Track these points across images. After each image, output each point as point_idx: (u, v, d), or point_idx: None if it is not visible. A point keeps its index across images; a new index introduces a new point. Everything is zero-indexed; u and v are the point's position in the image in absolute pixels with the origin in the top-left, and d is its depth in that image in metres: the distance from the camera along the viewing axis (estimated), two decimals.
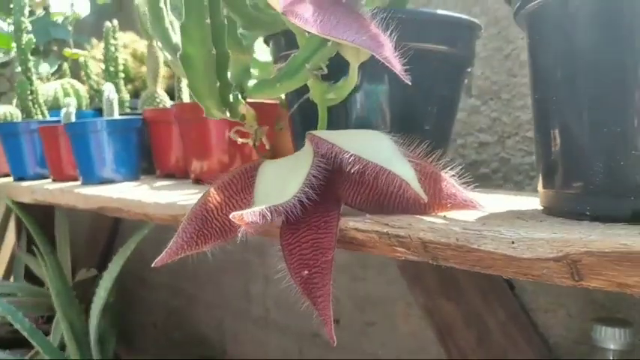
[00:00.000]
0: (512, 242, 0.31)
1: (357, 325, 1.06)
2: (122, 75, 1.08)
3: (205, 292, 1.34)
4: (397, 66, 0.35)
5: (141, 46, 1.22)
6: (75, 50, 1.43)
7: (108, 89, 0.84)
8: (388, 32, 0.37)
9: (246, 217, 0.33)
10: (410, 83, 0.35)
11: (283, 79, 0.47)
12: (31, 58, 1.00)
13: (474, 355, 0.88)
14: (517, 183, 0.84)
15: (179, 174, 0.85)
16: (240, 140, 0.50)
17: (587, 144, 0.36)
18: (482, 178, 0.87)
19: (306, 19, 0.38)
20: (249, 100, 0.50)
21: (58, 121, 0.96)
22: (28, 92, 1.01)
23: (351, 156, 0.36)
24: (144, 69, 1.20)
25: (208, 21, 0.37)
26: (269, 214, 0.34)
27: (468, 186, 0.43)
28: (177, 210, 0.56)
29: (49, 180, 0.98)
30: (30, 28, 1.02)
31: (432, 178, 0.40)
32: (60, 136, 0.88)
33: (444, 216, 0.40)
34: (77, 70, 1.41)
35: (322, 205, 0.40)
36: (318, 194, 0.40)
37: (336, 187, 0.41)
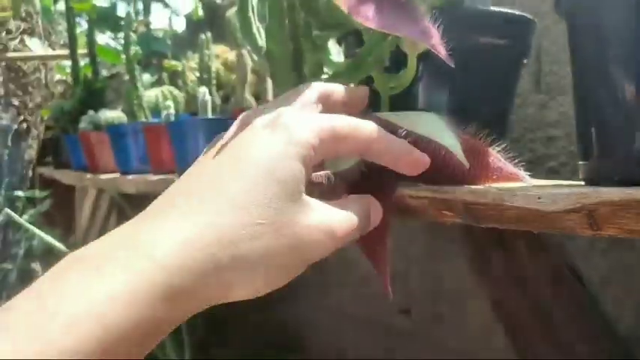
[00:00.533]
0: (539, 197, 0.36)
1: (427, 315, 1.11)
2: (214, 82, 1.20)
3: None
4: (442, 51, 0.41)
5: (231, 56, 1.34)
6: (173, 62, 1.59)
7: (203, 92, 0.95)
8: (438, 26, 0.43)
9: (314, 177, 0.40)
10: (453, 66, 0.41)
11: (350, 72, 0.54)
12: (137, 67, 1.14)
13: (541, 347, 0.90)
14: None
15: None
16: None
17: (618, 119, 0.40)
18: (551, 171, 0.90)
19: (367, 17, 0.45)
20: None
21: (159, 122, 1.09)
22: (134, 97, 1.15)
23: (403, 130, 0.42)
24: (233, 77, 1.32)
25: (287, 22, 0.45)
26: (332, 177, 0.40)
27: (517, 163, 0.47)
28: None
29: (150, 174, 1.11)
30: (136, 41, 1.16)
31: (479, 152, 0.45)
32: (161, 134, 1.00)
33: (489, 185, 0.45)
34: (174, 80, 1.56)
35: (380, 180, 0.46)
36: (376, 170, 0.46)
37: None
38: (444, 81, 0.57)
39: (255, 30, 0.68)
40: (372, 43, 0.50)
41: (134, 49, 1.13)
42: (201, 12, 1.77)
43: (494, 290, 0.95)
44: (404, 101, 0.58)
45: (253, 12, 0.69)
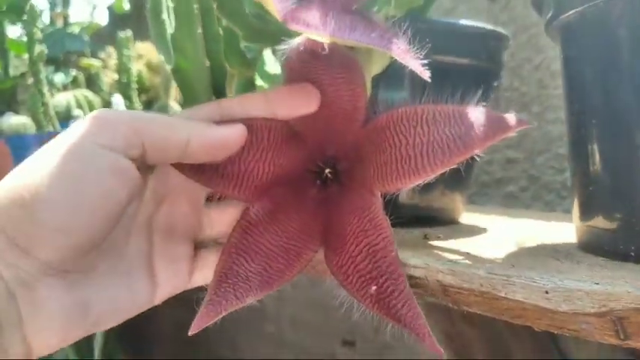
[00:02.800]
0: (547, 292, 0.26)
1: (373, 348, 1.01)
2: (135, 86, 1.06)
3: None
4: (411, 61, 0.30)
5: (156, 56, 1.20)
6: (91, 60, 1.42)
7: (116, 102, 0.81)
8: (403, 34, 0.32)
9: None
10: (429, 80, 0.30)
11: None
12: (42, 69, 0.98)
13: None
14: (547, 203, 0.79)
15: None
16: None
17: (632, 172, 0.31)
18: (510, 196, 0.82)
19: (309, 24, 0.34)
20: None
21: None
22: (40, 104, 0.99)
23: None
24: (158, 80, 1.17)
25: (200, 31, 0.33)
26: None
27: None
28: None
29: None
30: (41, 38, 1.00)
31: (454, 116, 0.32)
32: None
33: (467, 252, 0.35)
34: (92, 81, 1.40)
35: (358, 207, 0.34)
36: (347, 198, 0.35)
37: (363, 179, 0.35)
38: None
39: (169, 37, 0.55)
40: None
41: (39, 47, 0.97)
42: (127, 5, 1.60)
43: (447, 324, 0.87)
44: None
45: (168, 15, 0.56)
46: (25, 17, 0.96)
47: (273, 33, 0.43)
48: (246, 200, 0.33)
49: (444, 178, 0.46)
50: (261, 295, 0.32)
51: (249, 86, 0.47)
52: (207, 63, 0.34)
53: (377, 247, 0.31)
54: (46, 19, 1.68)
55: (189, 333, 0.30)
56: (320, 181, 0.35)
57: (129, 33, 1.06)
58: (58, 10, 1.68)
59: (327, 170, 0.34)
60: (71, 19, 1.73)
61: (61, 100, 1.11)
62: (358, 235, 0.32)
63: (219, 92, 0.38)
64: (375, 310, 0.31)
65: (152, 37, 0.54)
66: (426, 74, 0.29)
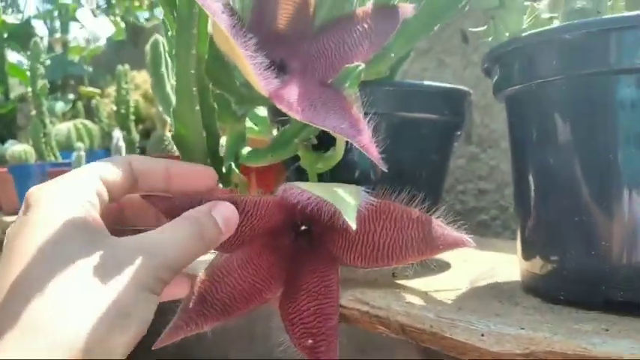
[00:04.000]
0: (482, 335, 0.32)
1: None
2: (133, 117, 1.11)
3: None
4: (374, 153, 0.36)
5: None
6: (90, 88, 1.47)
7: (116, 137, 0.87)
8: (369, 120, 0.38)
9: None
10: (386, 170, 0.36)
11: (275, 151, 0.48)
12: (44, 102, 1.04)
13: None
14: (514, 231, 0.84)
15: None
16: None
17: (562, 230, 0.37)
18: (482, 225, 0.88)
19: (290, 105, 0.40)
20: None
21: (69, 164, 0.99)
22: (41, 135, 1.04)
23: (303, 193, 0.35)
24: (154, 110, 1.23)
25: (198, 108, 0.39)
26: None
27: (458, 228, 0.43)
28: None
29: None
30: (44, 72, 1.05)
31: (418, 222, 0.40)
32: None
33: (426, 293, 0.41)
34: (91, 108, 1.45)
35: (319, 269, 0.41)
36: (313, 257, 0.41)
37: (329, 246, 0.42)
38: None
39: (169, 89, 0.61)
40: (298, 124, 0.45)
41: (42, 81, 1.02)
42: (124, 34, 1.67)
43: None
44: (332, 176, 0.54)
45: (167, 67, 0.62)
46: (28, 52, 1.01)
47: (260, 97, 0.49)
48: (228, 252, 0.39)
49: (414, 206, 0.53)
50: (217, 324, 0.37)
51: (240, 137, 0.53)
52: (204, 132, 0.40)
53: (324, 311, 0.37)
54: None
55: (153, 347, 0.36)
56: (295, 234, 0.41)
57: (127, 67, 1.12)
58: (57, 35, 1.74)
59: (302, 227, 0.40)
60: (72, 44, 1.78)
61: (62, 129, 1.17)
62: (311, 294, 0.38)
63: (213, 154, 0.44)
64: (307, 357, 0.37)
65: (152, 87, 0.60)
66: (384, 166, 0.35)
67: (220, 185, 0.49)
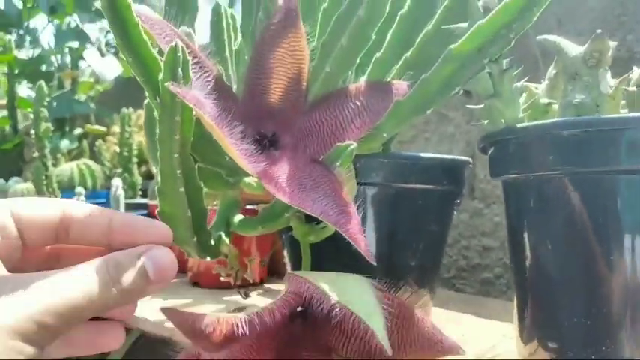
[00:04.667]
0: None
1: None
2: (135, 160, 1.11)
3: None
4: (361, 245, 0.35)
5: None
6: (96, 126, 1.48)
7: (115, 185, 0.86)
8: (358, 206, 0.37)
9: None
10: (375, 263, 0.35)
11: (265, 223, 0.47)
12: (47, 145, 1.04)
13: None
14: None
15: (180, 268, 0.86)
16: (223, 278, 0.51)
17: (561, 323, 0.35)
18: (486, 282, 0.86)
19: (278, 187, 0.39)
20: None
21: None
22: (43, 177, 1.04)
23: (334, 304, 0.34)
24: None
25: (182, 190, 0.38)
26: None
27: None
28: (168, 331, 0.56)
29: None
30: (51, 110, 1.06)
31: (414, 324, 0.38)
32: None
33: None
34: (98, 151, 1.46)
35: (313, 356, 0.39)
36: (308, 343, 0.39)
37: (325, 337, 0.40)
38: (376, 224, 0.52)
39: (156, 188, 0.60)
40: None
41: (46, 124, 1.03)
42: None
43: None
44: (327, 246, 0.52)
45: None
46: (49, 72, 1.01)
47: None
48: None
49: (412, 275, 0.51)
50: None
51: (233, 204, 0.51)
52: (189, 212, 0.39)
53: None
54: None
55: None
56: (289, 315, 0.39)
57: (130, 110, 1.12)
58: (67, 70, 1.75)
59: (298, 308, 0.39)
60: (80, 79, 1.79)
61: (65, 169, 1.17)
62: None
63: (199, 229, 0.42)
64: None
65: (146, 149, 0.59)
66: (372, 258, 0.33)
67: (208, 258, 0.48)
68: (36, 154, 1.04)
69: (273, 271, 0.84)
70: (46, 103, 1.02)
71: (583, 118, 0.31)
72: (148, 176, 1.21)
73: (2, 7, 1.40)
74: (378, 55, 0.42)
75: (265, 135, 0.44)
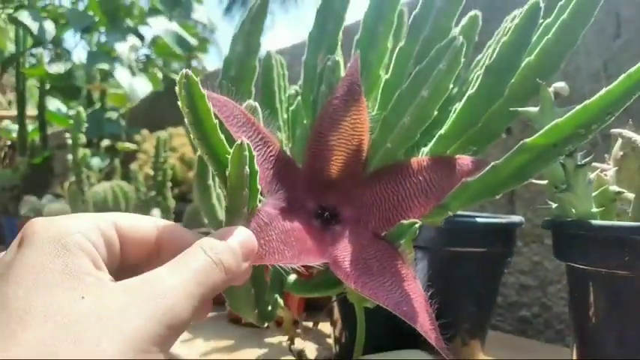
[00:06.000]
0: None
1: None
2: (170, 184, 1.12)
3: None
4: (433, 338, 0.35)
5: (189, 150, 1.27)
6: (127, 144, 1.50)
7: (154, 215, 0.87)
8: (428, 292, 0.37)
9: None
10: (445, 356, 0.35)
11: (321, 288, 0.47)
12: (84, 170, 1.05)
13: None
14: (558, 331, 0.82)
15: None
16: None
17: None
18: (523, 320, 0.85)
19: (347, 275, 0.39)
20: None
21: None
22: (80, 202, 1.06)
23: None
24: (191, 174, 1.24)
25: None
26: None
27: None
28: None
29: None
30: (84, 141, 1.07)
31: None
32: None
33: None
34: (128, 161, 1.47)
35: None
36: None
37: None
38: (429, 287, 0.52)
39: (215, 200, 0.61)
40: None
41: (83, 150, 1.04)
42: (161, 84, 1.69)
43: None
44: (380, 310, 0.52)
45: (214, 179, 0.62)
46: (70, 121, 1.03)
47: None
48: None
49: (464, 327, 0.51)
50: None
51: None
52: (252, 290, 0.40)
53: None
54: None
55: None
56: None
57: (167, 134, 1.13)
58: (96, 82, 1.77)
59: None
60: (108, 92, 1.81)
61: (99, 191, 1.18)
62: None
63: (259, 302, 0.43)
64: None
65: (197, 201, 0.60)
66: (444, 351, 0.33)
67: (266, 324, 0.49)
68: (73, 179, 1.06)
69: (309, 305, 0.84)
70: (84, 130, 1.03)
71: None
72: (182, 198, 1.22)
73: (35, 32, 1.42)
74: (441, 132, 0.42)
75: (327, 208, 0.44)
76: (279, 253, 0.37)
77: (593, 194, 0.37)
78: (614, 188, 0.37)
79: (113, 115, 1.51)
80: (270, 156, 0.43)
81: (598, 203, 0.37)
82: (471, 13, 0.49)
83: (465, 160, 0.42)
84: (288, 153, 0.53)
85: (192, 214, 1.05)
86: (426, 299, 0.37)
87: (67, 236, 0.28)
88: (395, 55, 0.45)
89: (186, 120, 0.37)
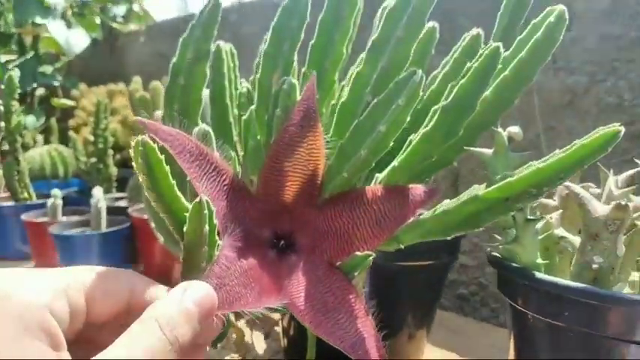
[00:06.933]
0: None
1: None
2: (111, 152, 1.08)
3: None
4: None
5: (131, 112, 1.21)
6: (63, 100, 1.41)
7: (96, 197, 0.84)
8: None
9: None
10: None
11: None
12: (19, 139, 0.99)
13: None
14: (493, 309, 0.87)
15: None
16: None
17: None
18: (461, 298, 0.90)
19: (302, 313, 0.39)
20: None
21: (44, 206, 0.96)
22: (15, 173, 1.00)
23: None
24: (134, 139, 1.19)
25: None
26: None
27: None
28: None
29: (32, 263, 0.98)
30: (20, 109, 1.01)
31: None
32: (44, 233, 0.88)
33: None
34: (66, 119, 1.40)
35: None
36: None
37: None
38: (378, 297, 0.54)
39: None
40: None
41: (17, 118, 0.97)
42: (99, 31, 1.59)
43: None
44: None
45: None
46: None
47: None
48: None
49: (412, 324, 0.54)
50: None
51: None
52: None
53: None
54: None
55: None
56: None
57: (106, 102, 1.07)
58: (28, 27, 1.64)
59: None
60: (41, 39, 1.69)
61: (35, 157, 1.13)
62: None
63: None
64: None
65: (148, 213, 0.58)
66: None
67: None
68: (6, 147, 1.00)
69: None
70: (17, 96, 0.96)
71: (600, 292, 0.33)
72: (123, 164, 1.18)
73: None
74: (395, 164, 0.42)
75: (282, 236, 0.44)
76: (241, 299, 0.37)
77: (540, 237, 0.38)
78: (559, 232, 0.39)
79: (48, 69, 1.41)
80: (224, 185, 0.42)
81: (543, 246, 0.39)
82: (429, 24, 0.48)
83: (417, 190, 0.43)
84: (239, 169, 0.52)
85: (136, 188, 1.02)
86: (378, 337, 0.39)
87: (30, 313, 0.27)
88: (352, 79, 0.44)
89: (142, 184, 0.35)
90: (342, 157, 0.43)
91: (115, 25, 1.54)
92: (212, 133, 0.43)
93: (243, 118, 0.51)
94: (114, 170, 1.10)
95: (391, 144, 0.42)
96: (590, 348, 0.34)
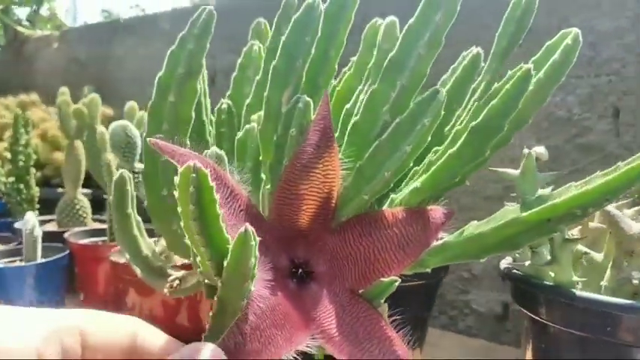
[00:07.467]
0: None
1: None
2: (34, 171, 0.97)
3: None
4: None
5: (51, 126, 1.11)
6: None
7: (31, 222, 0.75)
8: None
9: None
10: None
11: None
12: None
13: None
14: (451, 317, 0.89)
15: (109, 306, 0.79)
16: None
17: None
18: None
19: (335, 345, 0.37)
20: None
21: None
22: None
23: None
24: (56, 155, 1.09)
25: None
26: None
27: None
28: None
29: None
30: None
31: None
32: None
33: None
34: None
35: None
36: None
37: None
38: None
39: (136, 231, 0.53)
40: None
41: None
42: (3, 39, 1.44)
43: None
44: None
45: (133, 206, 0.54)
46: None
47: None
48: None
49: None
50: None
51: None
52: None
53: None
54: None
55: None
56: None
57: (26, 114, 0.96)
58: None
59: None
60: None
61: None
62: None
63: None
64: None
65: (116, 234, 0.52)
66: None
67: None
68: None
69: None
70: None
71: None
72: (45, 183, 1.08)
73: None
74: (417, 185, 0.41)
75: (299, 264, 0.41)
76: (271, 342, 0.34)
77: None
78: (582, 248, 0.40)
79: None
80: (240, 211, 0.39)
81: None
82: (474, 50, 0.47)
83: (437, 212, 0.42)
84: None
85: (66, 208, 0.92)
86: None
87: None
88: (366, 98, 0.42)
89: (185, 214, 0.30)
90: (360, 178, 0.41)
91: (20, 28, 1.40)
92: (225, 156, 0.39)
93: (238, 137, 0.47)
94: (36, 190, 0.99)
95: (411, 163, 0.41)
96: None
